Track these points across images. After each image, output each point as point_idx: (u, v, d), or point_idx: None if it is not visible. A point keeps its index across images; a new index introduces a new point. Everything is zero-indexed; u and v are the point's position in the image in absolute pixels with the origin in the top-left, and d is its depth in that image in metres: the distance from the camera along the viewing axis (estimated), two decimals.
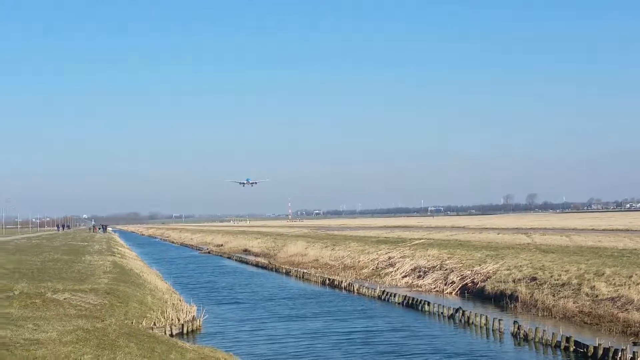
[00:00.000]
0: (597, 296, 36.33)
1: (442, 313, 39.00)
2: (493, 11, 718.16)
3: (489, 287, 46.01)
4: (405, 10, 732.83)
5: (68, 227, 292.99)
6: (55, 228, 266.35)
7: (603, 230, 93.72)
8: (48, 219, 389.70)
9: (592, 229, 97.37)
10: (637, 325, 31.12)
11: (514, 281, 44.33)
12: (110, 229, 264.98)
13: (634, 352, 25.48)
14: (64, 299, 31.76)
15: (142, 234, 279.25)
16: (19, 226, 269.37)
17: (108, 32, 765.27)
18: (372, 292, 48.82)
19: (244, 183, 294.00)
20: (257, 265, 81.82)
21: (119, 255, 75.56)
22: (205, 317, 37.15)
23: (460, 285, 49.87)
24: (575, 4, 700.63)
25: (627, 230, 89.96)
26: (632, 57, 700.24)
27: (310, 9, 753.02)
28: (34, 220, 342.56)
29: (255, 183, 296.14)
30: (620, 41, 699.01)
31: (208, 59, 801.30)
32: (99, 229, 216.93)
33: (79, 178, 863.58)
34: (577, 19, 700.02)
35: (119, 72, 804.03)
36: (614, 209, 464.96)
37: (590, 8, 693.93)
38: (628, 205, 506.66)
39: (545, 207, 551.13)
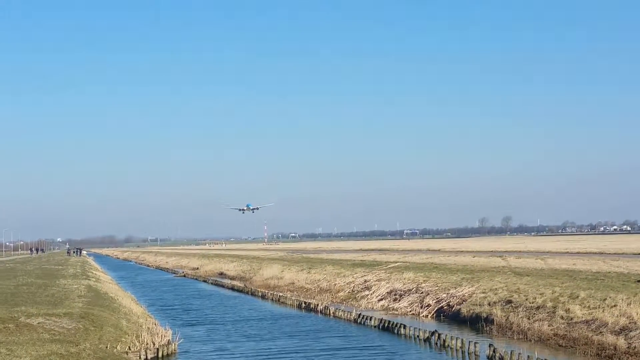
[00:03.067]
0: (571, 319, 36.54)
1: (418, 336, 39.02)
2: (471, 35, 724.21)
3: (464, 310, 46.14)
4: (387, 31, 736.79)
5: (42, 250, 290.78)
6: (29, 252, 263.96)
7: (577, 253, 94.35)
8: (22, 242, 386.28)
9: (567, 252, 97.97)
10: (612, 348, 31.31)
11: (489, 304, 44.49)
12: (85, 252, 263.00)
13: None
14: (38, 323, 31.50)
15: (117, 258, 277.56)
16: None
17: (88, 49, 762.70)
18: (348, 315, 48.79)
19: (244, 209, 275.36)
20: (232, 288, 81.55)
21: (94, 279, 75.05)
22: (181, 340, 36.96)
23: (436, 309, 49.96)
24: (555, 29, 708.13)
25: (601, 253, 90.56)
26: (608, 81, 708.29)
27: (303, 28, 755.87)
28: (7, 243, 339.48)
29: (257, 209, 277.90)
30: (597, 65, 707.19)
31: (175, 80, 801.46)
32: (74, 252, 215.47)
33: (54, 201, 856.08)
34: (556, 42, 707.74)
35: (94, 93, 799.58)
36: (588, 232, 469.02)
37: (568, 34, 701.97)
38: (602, 229, 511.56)
39: (521, 230, 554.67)
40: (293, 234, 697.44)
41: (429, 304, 51.02)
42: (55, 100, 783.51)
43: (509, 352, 31.16)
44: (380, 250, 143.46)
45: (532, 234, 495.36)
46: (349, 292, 63.52)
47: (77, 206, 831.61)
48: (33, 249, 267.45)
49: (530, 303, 41.50)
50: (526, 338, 36.69)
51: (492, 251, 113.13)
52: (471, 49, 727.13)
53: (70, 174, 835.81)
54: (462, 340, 35.21)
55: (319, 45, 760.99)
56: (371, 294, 59.56)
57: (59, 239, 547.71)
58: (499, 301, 44.37)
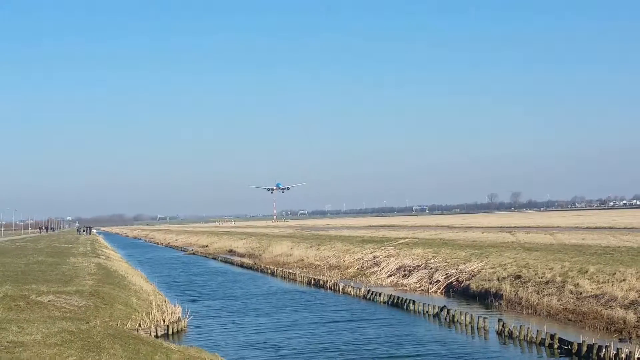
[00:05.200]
0: (581, 293, 36.52)
1: (427, 312, 39.09)
2: (477, 13, 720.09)
3: (473, 285, 46.17)
4: (387, 10, 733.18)
5: (52, 229, 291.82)
6: (38, 230, 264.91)
7: (587, 228, 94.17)
8: (32, 221, 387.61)
9: (576, 227, 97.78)
10: (621, 322, 31.32)
11: (498, 279, 44.49)
12: (94, 230, 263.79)
13: (617, 348, 25.63)
14: (49, 301, 31.65)
15: (127, 236, 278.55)
16: (2, 228, 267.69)
17: (103, 33, 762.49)
18: (358, 292, 48.86)
19: (272, 189, 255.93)
20: (242, 265, 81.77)
21: (104, 257, 75.34)
22: (190, 317, 37.15)
23: (445, 284, 50.00)
24: (558, 6, 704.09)
25: (611, 228, 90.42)
26: (615, 58, 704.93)
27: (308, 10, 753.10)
28: (17, 222, 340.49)
29: (288, 188, 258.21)
30: (602, 42, 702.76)
31: (165, 61, 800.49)
32: (84, 231, 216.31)
33: (63, 180, 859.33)
34: (559, 19, 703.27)
35: (105, 73, 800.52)
36: (598, 207, 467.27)
37: (571, 9, 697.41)
38: (611, 203, 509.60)
39: (530, 206, 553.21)
40: (302, 211, 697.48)
41: (438, 280, 51.07)
42: (63, 81, 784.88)
43: (518, 327, 31.22)
44: (389, 227, 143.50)
45: (542, 209, 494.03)
46: (358, 269, 63.62)
47: (86, 185, 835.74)
48: (43, 228, 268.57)
49: (539, 278, 41.50)
50: (535, 313, 36.72)
51: (501, 227, 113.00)
52: (480, 30, 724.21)
53: (79, 153, 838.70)
54: (471, 315, 35.27)
55: (324, 25, 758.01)
56: (380, 270, 59.64)
57: (68, 218, 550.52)
58: (508, 276, 44.37)
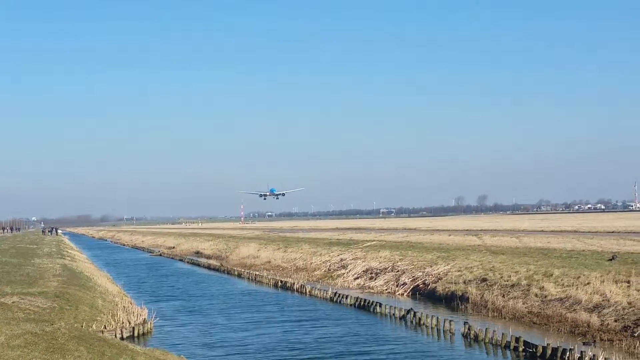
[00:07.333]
0: (546, 297, 36.85)
1: (393, 314, 39.20)
2: (450, 13, 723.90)
3: (440, 288, 46.38)
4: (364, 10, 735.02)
5: (17, 229, 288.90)
6: (2, 230, 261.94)
7: (552, 231, 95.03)
8: None
9: (541, 231, 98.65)
10: (585, 325, 31.64)
11: (464, 282, 44.75)
12: (60, 231, 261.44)
13: (581, 351, 25.88)
14: (13, 302, 31.31)
15: (93, 237, 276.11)
16: None
17: (78, 30, 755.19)
18: (324, 294, 48.88)
19: (265, 195, 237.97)
20: (209, 267, 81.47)
21: (69, 258, 74.66)
22: (157, 319, 36.96)
23: (411, 287, 50.17)
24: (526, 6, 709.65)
25: (575, 231, 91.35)
26: (585, 62, 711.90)
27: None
28: None
29: (283, 194, 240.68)
30: (574, 45, 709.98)
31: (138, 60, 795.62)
32: (49, 231, 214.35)
33: (28, 180, 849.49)
34: (530, 21, 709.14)
35: (74, 71, 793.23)
36: (563, 210, 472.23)
37: (537, 10, 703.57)
38: (577, 207, 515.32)
39: (496, 209, 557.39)
40: (269, 213, 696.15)
41: (404, 283, 51.23)
42: (28, 79, 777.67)
43: (484, 330, 31.41)
44: (357, 229, 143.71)
45: (508, 212, 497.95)
46: (325, 271, 63.65)
47: (52, 185, 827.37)
48: (7, 228, 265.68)
49: (505, 281, 41.78)
50: (501, 316, 36.98)
51: (467, 230, 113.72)
52: (453, 30, 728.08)
53: (45, 152, 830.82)
54: (437, 318, 35.44)
55: (307, 30, 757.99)
56: (347, 273, 59.70)
57: (33, 218, 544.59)
58: (474, 279, 44.65)
